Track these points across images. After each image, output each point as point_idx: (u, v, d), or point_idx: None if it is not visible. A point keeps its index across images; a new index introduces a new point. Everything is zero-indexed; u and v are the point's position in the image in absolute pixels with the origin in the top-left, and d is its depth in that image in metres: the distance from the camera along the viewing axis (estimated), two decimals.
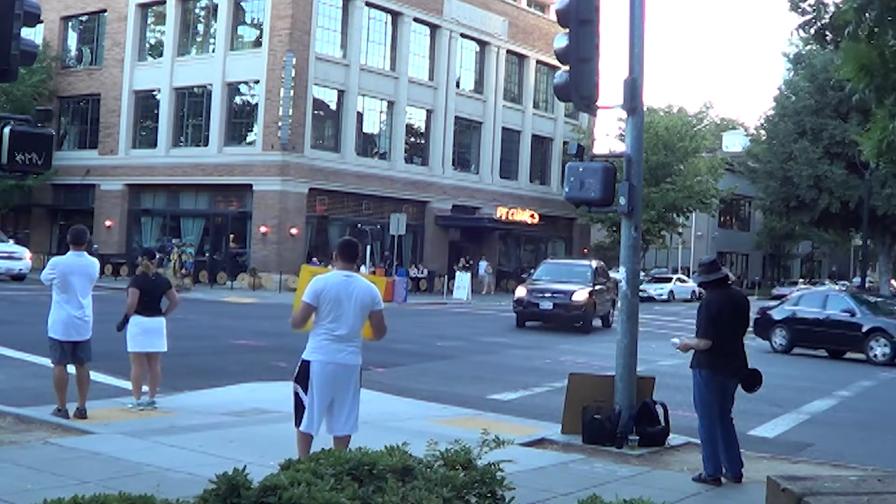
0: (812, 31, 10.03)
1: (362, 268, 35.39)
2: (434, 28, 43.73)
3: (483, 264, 42.30)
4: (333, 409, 6.67)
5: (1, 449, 7.85)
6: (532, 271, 31.25)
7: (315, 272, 7.27)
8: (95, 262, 9.85)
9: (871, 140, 10.87)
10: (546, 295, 24.77)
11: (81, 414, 9.29)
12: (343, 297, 6.62)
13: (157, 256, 10.65)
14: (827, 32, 10.03)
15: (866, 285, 31.67)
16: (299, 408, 6.68)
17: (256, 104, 38.59)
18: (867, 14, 8.71)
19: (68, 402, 9.36)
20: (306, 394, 6.64)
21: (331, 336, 6.62)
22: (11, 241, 35.12)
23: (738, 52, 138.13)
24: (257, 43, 38.84)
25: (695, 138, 49.43)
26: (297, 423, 6.70)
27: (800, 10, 10.21)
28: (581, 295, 24.55)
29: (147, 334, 10.08)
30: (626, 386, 9.50)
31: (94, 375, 10.44)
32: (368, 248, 36.15)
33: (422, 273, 41.56)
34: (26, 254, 33.65)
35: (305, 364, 6.67)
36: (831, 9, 10.02)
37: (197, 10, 42.01)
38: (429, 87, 43.69)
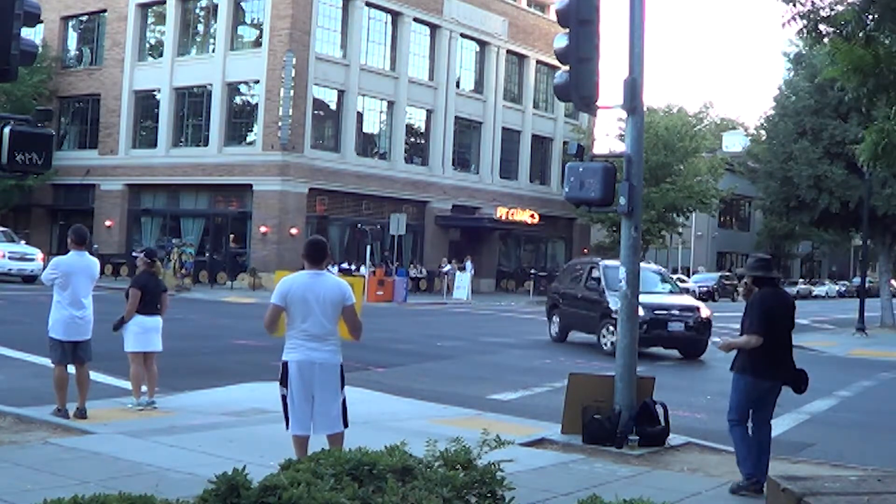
0: (806, 26, 10.01)
1: (362, 268, 35.39)
2: (434, 28, 43.74)
3: (468, 264, 41.96)
4: (315, 408, 6.66)
5: (1, 449, 7.85)
6: (558, 275, 25.87)
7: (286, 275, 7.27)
8: (96, 261, 9.90)
9: (866, 143, 10.87)
10: (674, 313, 19.24)
11: (81, 414, 9.31)
12: (310, 297, 6.60)
13: (155, 260, 10.73)
14: (822, 28, 10.02)
15: (866, 285, 31.64)
16: (286, 411, 6.70)
17: (256, 104, 38.58)
18: (868, 15, 8.70)
19: (68, 402, 9.37)
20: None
21: (304, 336, 6.62)
22: (23, 242, 34.94)
23: (738, 52, 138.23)
24: (257, 43, 38.84)
25: (695, 138, 49.38)
26: (287, 427, 6.72)
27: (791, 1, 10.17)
28: (706, 312, 19.76)
29: (146, 333, 10.15)
30: (626, 386, 9.49)
31: (94, 375, 10.45)
32: (368, 247, 36.15)
33: (421, 273, 41.53)
34: (38, 254, 33.44)
35: (284, 365, 6.69)
36: (826, 3, 10.01)
37: (197, 10, 42.00)
38: (429, 87, 43.69)
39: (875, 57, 9.14)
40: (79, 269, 9.41)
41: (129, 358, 10.18)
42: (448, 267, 40.91)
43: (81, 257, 9.52)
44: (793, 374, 7.80)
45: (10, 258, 32.17)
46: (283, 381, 6.67)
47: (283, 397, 6.70)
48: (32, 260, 32.74)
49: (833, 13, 9.79)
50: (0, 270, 31.60)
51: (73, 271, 9.36)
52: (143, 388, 10.23)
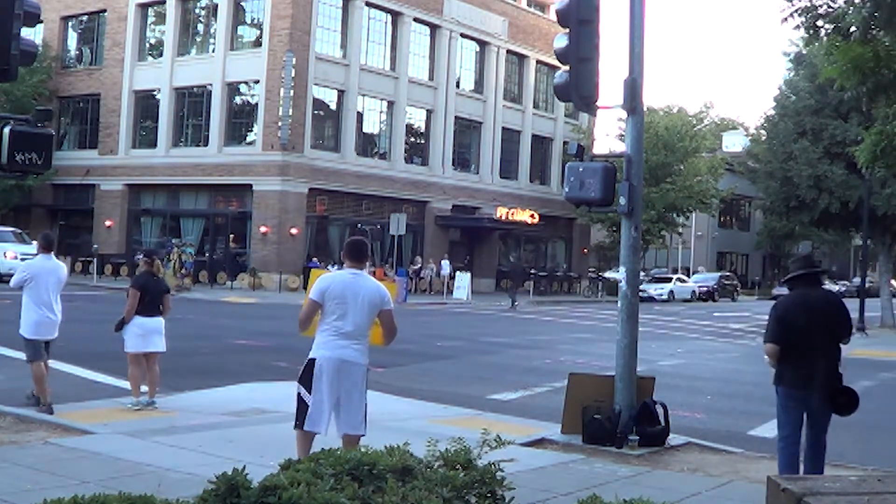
0: (804, 22, 10.02)
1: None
2: (434, 28, 43.73)
3: (445, 263, 41.88)
4: (340, 408, 6.62)
5: (1, 449, 7.85)
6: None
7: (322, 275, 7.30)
8: (62, 265, 10.46)
9: (865, 145, 10.90)
10: None
11: (48, 409, 9.60)
12: (349, 295, 6.61)
13: (154, 259, 10.82)
14: (820, 24, 10.03)
15: (866, 285, 31.63)
16: (301, 408, 6.63)
17: (256, 104, 38.58)
18: (875, 17, 8.69)
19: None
20: (310, 393, 6.59)
21: (336, 333, 6.59)
22: (34, 244, 34.70)
23: (738, 52, 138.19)
24: (257, 43, 38.84)
25: (695, 138, 49.42)
26: (298, 425, 6.64)
27: None
28: None
29: (147, 334, 10.19)
30: (626, 386, 9.50)
31: (95, 375, 10.47)
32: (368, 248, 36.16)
33: (434, 273, 41.45)
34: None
35: (311, 362, 6.64)
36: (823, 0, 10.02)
37: (197, 10, 42.00)
38: (429, 87, 43.68)
39: (875, 56, 9.13)
40: (45, 272, 9.93)
41: (129, 358, 10.22)
42: (419, 266, 40.75)
43: (48, 261, 10.08)
44: (831, 391, 6.92)
45: (21, 260, 31.97)
46: (304, 379, 6.61)
47: (299, 395, 6.64)
48: None
49: (831, 10, 9.81)
50: (12, 272, 31.33)
51: (40, 273, 9.87)
52: (144, 388, 10.24)
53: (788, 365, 7.07)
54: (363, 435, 6.63)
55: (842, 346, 7.26)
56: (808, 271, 7.29)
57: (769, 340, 7.15)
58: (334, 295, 6.61)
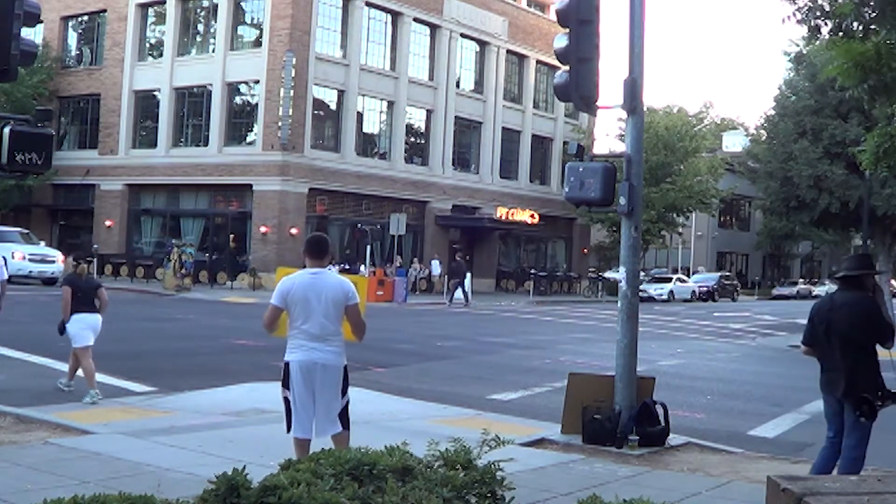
0: (804, 19, 10.01)
1: (362, 268, 35.39)
2: (434, 28, 43.73)
3: (435, 263, 41.68)
4: (317, 410, 6.57)
5: (1, 449, 7.85)
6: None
7: (287, 273, 7.21)
8: None
9: (868, 146, 10.90)
10: None
11: None
12: (311, 296, 6.50)
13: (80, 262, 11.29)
14: (820, 23, 10.01)
15: None
16: (288, 412, 6.62)
17: (256, 104, 38.59)
18: (867, 8, 8.68)
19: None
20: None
21: (305, 336, 6.52)
22: (42, 244, 34.54)
23: (738, 52, 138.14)
24: (257, 43, 38.85)
25: (695, 138, 49.44)
26: (288, 430, 6.63)
27: None
28: None
29: (89, 329, 10.49)
30: (626, 386, 9.50)
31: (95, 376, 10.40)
32: (368, 247, 36.16)
33: (422, 273, 41.45)
34: (59, 256, 32.95)
35: (286, 366, 6.60)
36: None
37: (197, 10, 42.01)
38: (429, 87, 43.69)
39: (877, 54, 9.10)
40: None
41: (80, 353, 10.47)
42: (398, 265, 40.54)
43: None
44: (855, 398, 6.80)
45: (30, 260, 31.66)
46: (285, 383, 6.58)
47: (286, 399, 6.61)
48: (53, 262, 32.06)
49: (833, 7, 9.80)
50: (20, 273, 30.61)
51: None
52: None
53: (821, 366, 7.17)
54: (340, 431, 6.57)
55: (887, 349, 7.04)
56: (848, 273, 7.07)
57: (802, 341, 7.38)
58: (296, 298, 6.51)
